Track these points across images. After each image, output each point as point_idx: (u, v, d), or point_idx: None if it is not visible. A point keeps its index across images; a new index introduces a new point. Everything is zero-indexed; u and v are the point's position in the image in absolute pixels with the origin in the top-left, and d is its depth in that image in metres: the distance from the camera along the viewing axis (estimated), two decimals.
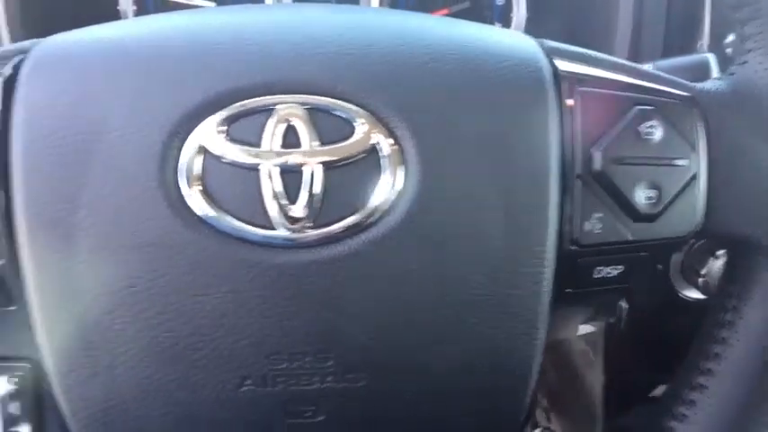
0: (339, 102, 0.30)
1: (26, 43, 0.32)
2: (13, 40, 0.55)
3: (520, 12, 0.75)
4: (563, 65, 0.33)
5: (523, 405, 0.34)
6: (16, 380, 0.33)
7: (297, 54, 0.30)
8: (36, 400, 0.33)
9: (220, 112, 0.29)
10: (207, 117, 0.29)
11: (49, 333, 0.30)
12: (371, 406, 0.32)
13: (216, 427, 0.32)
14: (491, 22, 0.76)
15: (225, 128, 0.29)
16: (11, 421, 0.33)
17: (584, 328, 0.36)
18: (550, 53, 0.33)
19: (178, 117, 0.29)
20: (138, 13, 0.74)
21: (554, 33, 0.67)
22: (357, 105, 0.30)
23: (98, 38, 0.32)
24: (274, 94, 0.30)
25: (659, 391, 0.51)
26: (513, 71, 0.31)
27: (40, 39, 0.32)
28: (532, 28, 0.74)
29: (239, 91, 0.29)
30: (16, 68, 0.31)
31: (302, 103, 0.30)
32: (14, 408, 0.33)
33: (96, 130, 0.29)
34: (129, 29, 0.32)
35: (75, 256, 0.29)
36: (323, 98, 0.30)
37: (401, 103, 0.30)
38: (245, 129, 0.29)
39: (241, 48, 0.30)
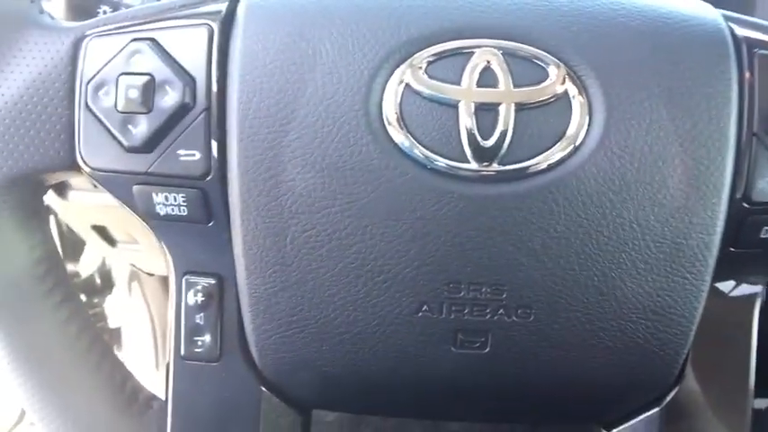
0: (534, 49, 0.32)
1: None
2: None
3: None
4: (740, 30, 0.34)
5: (679, 361, 0.35)
6: (201, 293, 0.36)
7: (496, 2, 0.32)
8: (217, 313, 0.36)
9: (423, 52, 0.31)
10: (411, 56, 0.31)
11: (246, 247, 0.33)
12: (536, 343, 0.33)
13: (387, 350, 0.34)
14: None
15: (426, 66, 0.31)
16: (196, 330, 0.36)
17: (740, 291, 0.37)
18: (727, 19, 0.34)
19: (385, 54, 0.32)
20: None
21: None
22: (550, 54, 0.32)
23: None
24: (474, 38, 0.32)
25: None
26: (697, 31, 0.33)
27: None
28: None
29: (442, 33, 0.32)
30: (231, 6, 0.34)
31: (499, 48, 0.32)
32: (199, 319, 0.36)
33: (309, 62, 0.32)
34: None
35: (281, 174, 0.32)
36: (519, 44, 0.32)
37: (591, 54, 0.32)
38: (445, 68, 0.31)
39: None
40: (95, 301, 0.98)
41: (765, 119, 0.33)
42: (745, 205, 0.33)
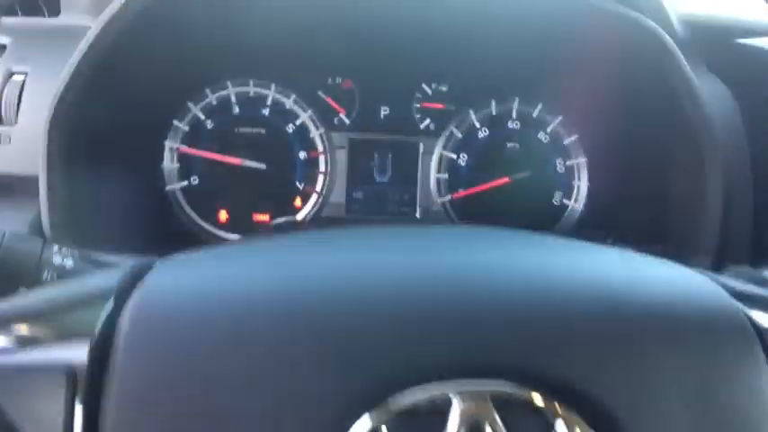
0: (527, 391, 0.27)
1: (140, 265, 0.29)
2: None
3: (582, 183, 0.74)
4: (759, 316, 0.31)
5: None
6: None
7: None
8: None
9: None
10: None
11: None
12: None
13: None
14: (552, 192, 0.75)
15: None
16: None
17: None
18: (739, 298, 0.31)
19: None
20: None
21: (628, 220, 0.63)
22: (544, 397, 0.27)
23: (216, 289, 0.29)
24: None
25: None
26: (715, 335, 0.30)
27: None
28: (597, 202, 0.71)
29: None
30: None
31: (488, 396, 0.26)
32: None
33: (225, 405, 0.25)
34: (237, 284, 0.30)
35: None
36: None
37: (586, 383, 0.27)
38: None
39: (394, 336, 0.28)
40: None
41: None
42: None
